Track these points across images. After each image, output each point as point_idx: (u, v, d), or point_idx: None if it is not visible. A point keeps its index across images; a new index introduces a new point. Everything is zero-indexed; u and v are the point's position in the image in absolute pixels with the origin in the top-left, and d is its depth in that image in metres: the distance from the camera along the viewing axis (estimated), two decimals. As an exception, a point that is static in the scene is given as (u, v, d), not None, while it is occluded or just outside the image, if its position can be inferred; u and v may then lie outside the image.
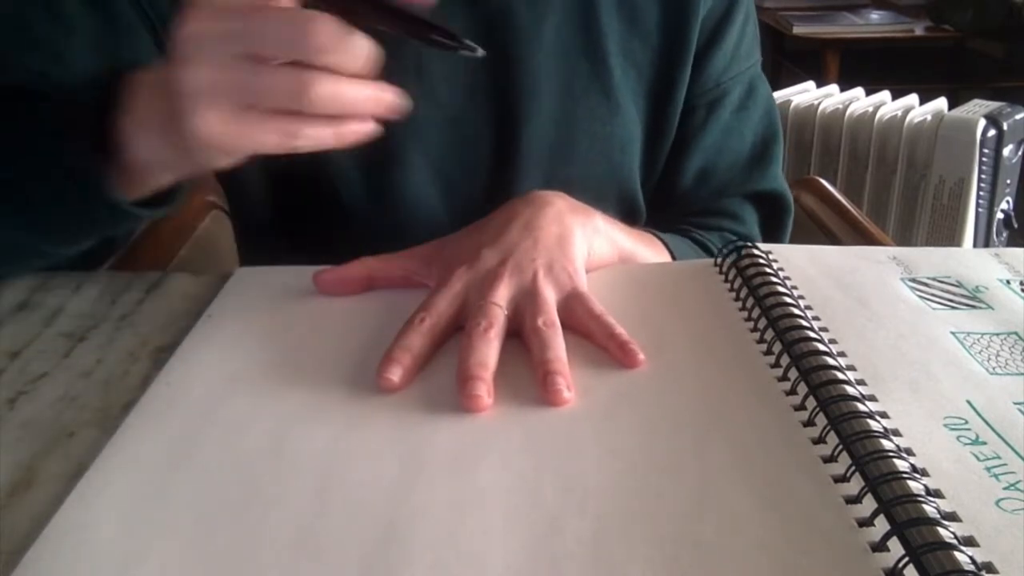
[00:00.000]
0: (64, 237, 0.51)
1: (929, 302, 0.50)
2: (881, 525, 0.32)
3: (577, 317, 0.47)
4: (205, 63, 0.39)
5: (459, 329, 0.46)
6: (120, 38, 0.56)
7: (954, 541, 0.31)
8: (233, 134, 0.40)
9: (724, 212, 0.72)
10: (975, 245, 1.85)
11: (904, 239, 1.91)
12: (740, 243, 0.54)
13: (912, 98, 1.97)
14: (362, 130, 0.41)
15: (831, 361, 0.41)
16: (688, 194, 0.72)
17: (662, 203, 0.72)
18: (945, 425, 0.39)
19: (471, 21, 0.62)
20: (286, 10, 0.38)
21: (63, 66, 0.54)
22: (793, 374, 0.42)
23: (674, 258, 0.64)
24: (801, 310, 0.46)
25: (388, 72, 0.60)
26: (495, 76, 0.63)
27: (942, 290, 0.52)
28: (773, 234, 0.75)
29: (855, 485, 0.35)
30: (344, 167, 0.63)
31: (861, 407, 0.38)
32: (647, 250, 0.63)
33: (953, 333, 0.47)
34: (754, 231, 0.74)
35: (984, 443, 0.38)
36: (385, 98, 0.41)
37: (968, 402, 0.41)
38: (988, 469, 0.36)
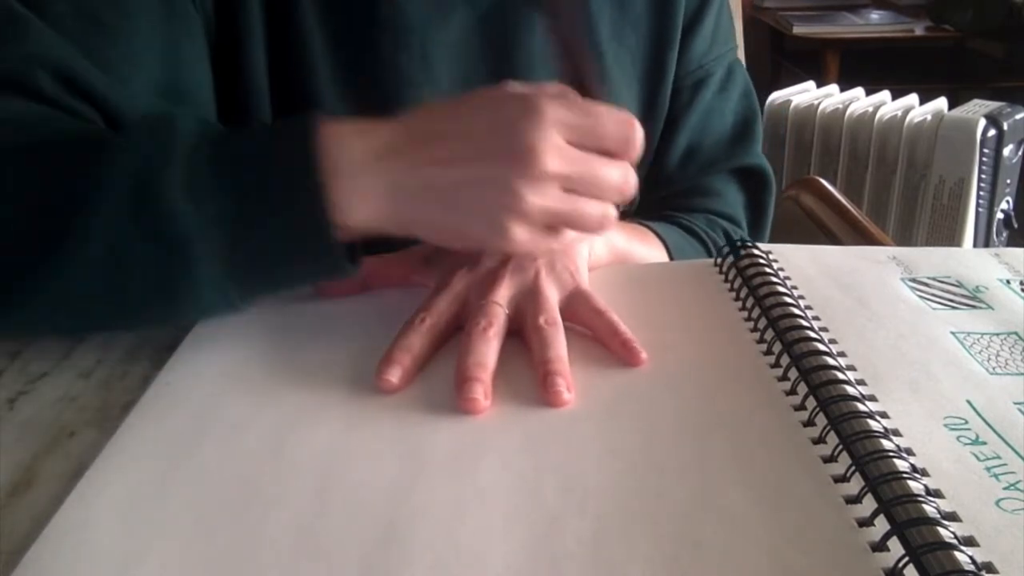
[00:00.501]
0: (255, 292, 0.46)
1: (929, 302, 0.50)
2: (881, 525, 0.32)
3: (580, 314, 0.47)
4: (549, 197, 0.43)
5: (460, 329, 0.47)
6: (179, 28, 0.56)
7: (954, 541, 0.31)
8: (536, 247, 0.45)
9: (708, 191, 0.75)
10: (975, 245, 1.85)
11: (904, 239, 1.91)
12: (738, 242, 0.54)
13: (912, 98, 1.97)
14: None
15: (831, 361, 0.41)
16: (675, 174, 0.74)
17: (650, 183, 0.74)
18: (945, 425, 0.39)
19: (466, 12, 0.63)
20: (618, 165, 0.46)
21: (131, 59, 0.54)
22: (793, 374, 0.42)
23: (666, 246, 0.65)
24: (801, 310, 0.46)
25: (397, 61, 0.62)
26: (493, 65, 0.64)
27: (942, 290, 0.52)
28: (757, 212, 0.77)
29: (855, 485, 0.35)
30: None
31: (861, 407, 0.38)
32: (640, 244, 0.63)
33: (953, 333, 0.47)
34: (737, 210, 0.76)
35: (984, 443, 0.38)
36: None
37: (968, 402, 0.41)
38: (988, 469, 0.36)
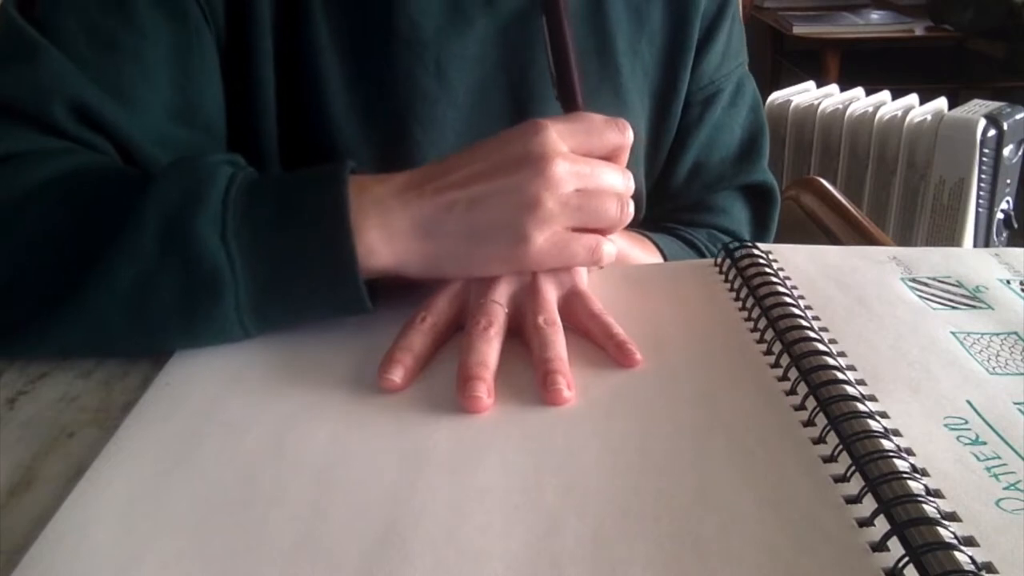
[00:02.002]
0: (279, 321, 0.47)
1: (929, 302, 0.50)
2: (881, 525, 0.32)
3: (576, 315, 0.47)
4: (566, 197, 0.46)
5: (460, 328, 0.47)
6: (191, 42, 0.56)
7: (954, 541, 0.31)
8: (557, 256, 0.47)
9: (713, 207, 0.74)
10: (975, 245, 1.85)
11: (904, 239, 1.91)
12: (738, 243, 0.54)
13: (912, 98, 1.97)
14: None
15: (831, 361, 0.41)
16: (681, 189, 0.74)
17: (656, 198, 0.74)
18: (945, 425, 0.39)
19: (486, 24, 0.62)
20: (619, 195, 0.48)
21: (144, 80, 0.54)
22: (793, 374, 0.42)
23: (664, 256, 0.65)
24: (801, 310, 0.46)
25: (412, 74, 0.61)
26: (509, 78, 0.64)
27: (942, 290, 0.52)
28: (762, 228, 0.77)
29: (855, 485, 0.35)
30: (363, 171, 0.63)
31: (861, 407, 0.38)
32: (640, 251, 0.63)
33: (953, 333, 0.47)
34: (742, 227, 0.75)
35: (984, 443, 0.38)
36: None
37: (968, 402, 0.41)
38: (988, 469, 0.36)
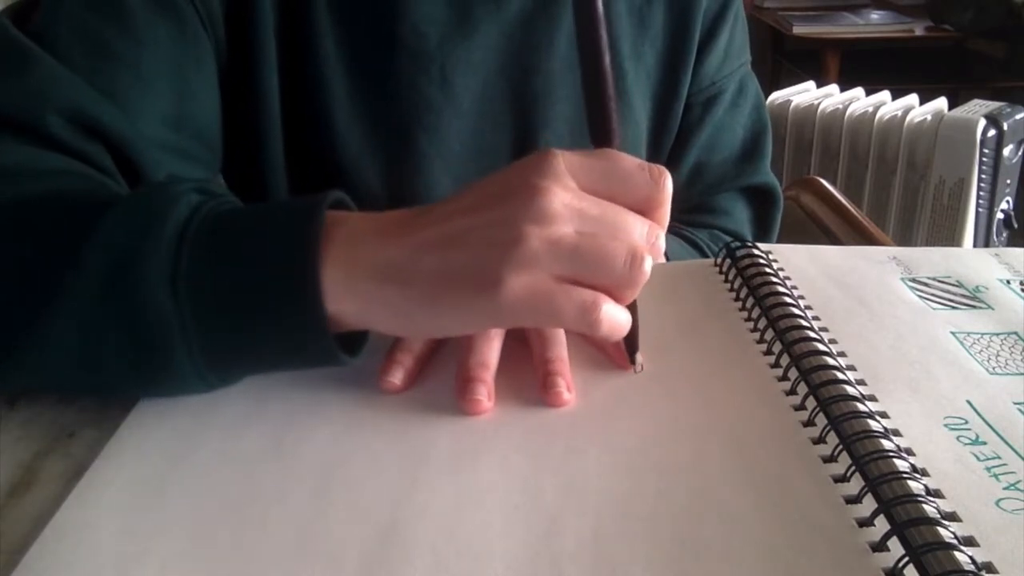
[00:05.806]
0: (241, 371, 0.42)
1: (929, 302, 0.50)
2: (881, 525, 0.32)
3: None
4: (559, 236, 0.37)
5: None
6: (189, 55, 0.56)
7: (954, 541, 0.31)
8: (533, 306, 0.37)
9: (715, 208, 0.74)
10: (975, 245, 1.85)
11: (904, 239, 1.91)
12: (739, 243, 0.54)
13: (912, 98, 1.97)
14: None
15: (831, 361, 0.41)
16: (682, 191, 0.73)
17: None
18: (945, 425, 0.39)
19: (491, 28, 0.62)
20: (632, 248, 0.38)
21: (141, 89, 0.53)
22: (793, 374, 0.42)
23: (667, 257, 0.65)
24: (801, 310, 0.46)
25: (416, 84, 0.61)
26: (513, 85, 0.64)
27: (942, 290, 0.52)
28: (763, 231, 0.76)
29: (855, 485, 0.35)
30: (368, 181, 0.62)
31: (861, 407, 0.38)
32: None
33: (953, 333, 0.47)
34: (743, 228, 0.75)
35: (984, 443, 0.38)
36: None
37: (968, 402, 0.41)
38: (988, 469, 0.36)
